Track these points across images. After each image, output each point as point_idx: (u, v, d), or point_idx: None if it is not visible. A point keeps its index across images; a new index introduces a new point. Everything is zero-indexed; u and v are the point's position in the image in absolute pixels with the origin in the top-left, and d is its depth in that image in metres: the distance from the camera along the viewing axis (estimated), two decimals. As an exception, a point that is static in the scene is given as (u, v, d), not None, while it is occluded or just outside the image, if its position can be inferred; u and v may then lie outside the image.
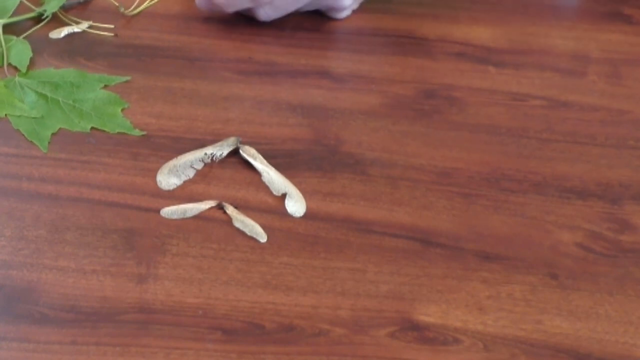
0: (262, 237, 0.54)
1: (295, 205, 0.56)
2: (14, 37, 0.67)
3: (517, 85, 0.65)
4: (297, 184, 0.57)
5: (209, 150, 0.59)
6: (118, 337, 0.49)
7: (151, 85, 0.64)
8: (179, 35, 0.68)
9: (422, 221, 0.56)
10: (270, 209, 0.56)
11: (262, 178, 0.58)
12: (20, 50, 0.66)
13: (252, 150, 0.59)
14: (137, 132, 0.60)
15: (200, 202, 0.56)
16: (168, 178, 0.57)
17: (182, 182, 0.57)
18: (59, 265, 0.52)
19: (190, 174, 0.58)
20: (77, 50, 0.67)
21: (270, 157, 0.59)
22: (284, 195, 0.57)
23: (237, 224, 0.55)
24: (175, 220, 0.55)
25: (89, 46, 0.67)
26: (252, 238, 0.54)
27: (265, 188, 0.57)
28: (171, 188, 0.57)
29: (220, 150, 0.59)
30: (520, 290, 0.53)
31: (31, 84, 0.63)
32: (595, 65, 0.66)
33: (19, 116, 0.61)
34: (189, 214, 0.55)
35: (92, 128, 0.61)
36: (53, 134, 0.60)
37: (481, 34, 0.70)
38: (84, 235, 0.54)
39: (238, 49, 0.67)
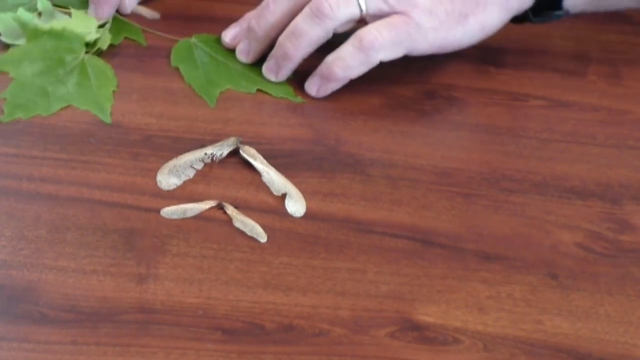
0: (262, 237, 0.54)
1: (295, 205, 0.56)
2: None
3: (517, 85, 0.65)
4: (297, 184, 0.57)
5: (209, 150, 0.59)
6: (118, 337, 0.49)
7: (151, 85, 0.64)
8: (179, 35, 0.68)
9: (422, 221, 0.56)
10: (270, 209, 0.56)
11: (262, 178, 0.58)
12: None
13: (252, 150, 0.59)
14: (298, 99, 0.63)
15: (200, 202, 0.56)
16: (168, 178, 0.57)
17: (182, 182, 0.57)
18: (59, 265, 0.52)
19: (190, 174, 0.58)
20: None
21: (270, 157, 0.59)
22: (284, 195, 0.57)
23: (237, 224, 0.55)
24: (175, 220, 0.55)
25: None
26: (252, 238, 0.54)
27: (265, 188, 0.57)
28: (171, 188, 0.57)
29: (220, 150, 0.59)
30: (520, 290, 0.53)
31: (203, 47, 0.66)
32: (595, 65, 0.66)
33: (191, 70, 0.65)
34: (189, 214, 0.55)
35: (257, 90, 0.64)
36: (221, 92, 0.63)
37: (481, 34, 0.70)
38: (84, 235, 0.54)
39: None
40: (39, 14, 0.66)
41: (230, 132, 0.60)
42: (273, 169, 0.58)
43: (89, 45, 0.65)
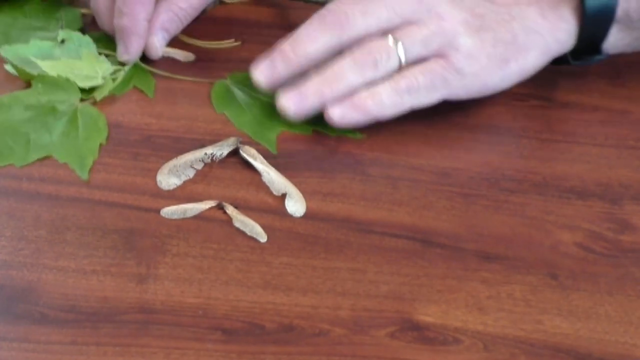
0: (262, 237, 0.54)
1: (295, 205, 0.56)
2: None
3: (517, 85, 0.65)
4: (297, 184, 0.57)
5: (209, 150, 0.59)
6: (118, 337, 0.49)
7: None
8: (179, 35, 0.68)
9: (422, 221, 0.56)
10: (270, 209, 0.56)
11: (262, 178, 0.58)
12: None
13: (252, 150, 0.59)
14: (359, 136, 0.60)
15: (200, 202, 0.56)
16: (168, 178, 0.57)
17: (182, 182, 0.57)
18: (59, 265, 0.52)
19: (190, 174, 0.58)
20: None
21: (270, 157, 0.59)
22: (284, 195, 0.57)
23: (237, 224, 0.55)
24: (175, 220, 0.55)
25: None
26: (252, 238, 0.54)
27: (265, 188, 0.57)
28: (171, 188, 0.57)
29: (220, 150, 0.59)
30: (520, 290, 0.53)
31: (242, 87, 0.63)
32: (595, 65, 0.66)
33: (239, 115, 0.61)
34: (189, 214, 0.55)
35: (313, 130, 0.61)
36: (277, 136, 0.60)
37: (481, 34, 0.70)
38: (84, 235, 0.54)
39: (238, 49, 0.67)
40: (62, 41, 0.64)
41: (230, 132, 0.60)
42: (273, 169, 0.58)
43: (84, 92, 0.61)
